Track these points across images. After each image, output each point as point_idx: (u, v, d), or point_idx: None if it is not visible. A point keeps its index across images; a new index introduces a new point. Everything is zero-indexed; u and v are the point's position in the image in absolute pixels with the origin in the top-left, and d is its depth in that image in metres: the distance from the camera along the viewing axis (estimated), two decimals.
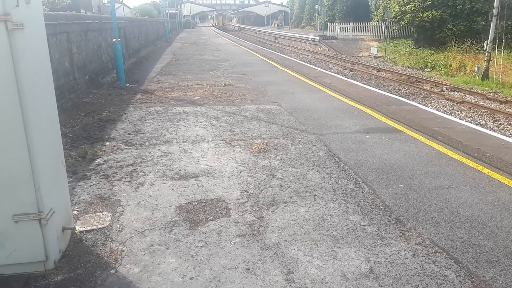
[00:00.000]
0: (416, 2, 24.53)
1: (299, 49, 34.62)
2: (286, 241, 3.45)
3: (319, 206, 4.09)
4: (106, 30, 13.61)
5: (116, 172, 5.01)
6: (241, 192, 4.40)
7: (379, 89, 12.37)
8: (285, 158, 5.48)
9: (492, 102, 12.97)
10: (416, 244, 3.43)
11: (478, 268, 3.09)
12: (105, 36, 13.51)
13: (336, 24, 37.09)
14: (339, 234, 3.57)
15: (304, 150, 5.81)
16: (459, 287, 2.86)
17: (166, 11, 44.86)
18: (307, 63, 20.55)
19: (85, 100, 9.29)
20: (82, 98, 9.51)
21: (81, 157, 5.51)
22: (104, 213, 3.95)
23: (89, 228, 3.66)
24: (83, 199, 4.25)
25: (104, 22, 13.43)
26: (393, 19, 27.43)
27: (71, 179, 4.70)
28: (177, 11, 66.56)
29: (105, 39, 13.42)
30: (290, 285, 2.87)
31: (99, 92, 10.42)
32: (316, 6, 56.48)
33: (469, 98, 13.62)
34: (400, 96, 11.67)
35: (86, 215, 3.90)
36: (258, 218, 3.83)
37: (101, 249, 3.33)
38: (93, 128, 7.08)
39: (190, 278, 2.95)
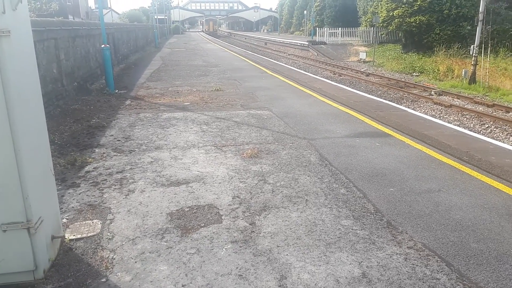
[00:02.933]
0: (403, 7, 24.83)
1: (288, 54, 34.78)
2: (278, 246, 3.44)
3: (311, 211, 4.09)
4: (94, 36, 13.52)
5: (106, 179, 4.96)
6: (232, 198, 4.39)
7: (368, 94, 12.47)
8: (277, 163, 5.48)
9: (480, 105, 13.16)
10: (408, 247, 3.44)
11: (469, 271, 3.11)
12: (94, 42, 13.42)
13: (325, 29, 37.37)
14: (332, 238, 3.57)
15: (295, 155, 5.82)
16: None
17: (155, 17, 44.80)
18: (297, 68, 20.65)
19: (74, 107, 9.20)
20: (71, 104, 9.41)
21: (70, 164, 5.44)
22: (94, 220, 3.90)
23: (79, 236, 3.60)
24: (73, 207, 4.19)
25: (92, 28, 13.35)
26: (381, 24, 27.72)
27: (60, 187, 4.63)
28: (166, 17, 66.45)
29: (93, 45, 13.33)
30: None
31: (88, 98, 10.32)
32: (305, 12, 56.88)
33: (457, 102, 13.80)
34: (389, 101, 11.78)
35: (76, 223, 3.84)
36: (250, 224, 3.82)
37: (91, 258, 3.28)
38: (82, 135, 7.00)
39: (183, 286, 2.92)
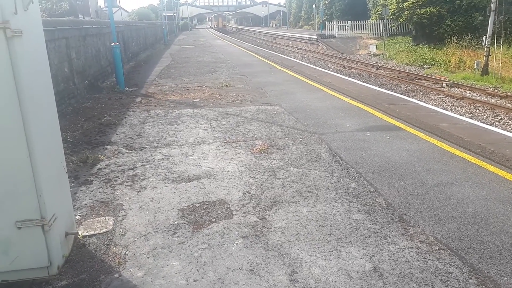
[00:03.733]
0: None
1: (297, 49, 34.62)
2: (289, 241, 3.44)
3: (321, 205, 4.08)
4: (104, 35, 13.62)
5: (118, 176, 5.02)
6: (243, 194, 4.40)
7: (379, 87, 12.36)
8: (287, 158, 5.48)
9: (492, 97, 12.95)
10: (419, 241, 3.42)
11: (482, 264, 3.08)
12: (104, 40, 13.53)
13: (334, 23, 37.07)
14: (342, 233, 3.57)
15: (305, 150, 5.81)
16: (464, 284, 2.86)
17: (164, 14, 44.95)
18: (306, 62, 20.55)
19: (85, 105, 9.30)
20: (82, 103, 9.52)
21: (83, 162, 5.51)
22: (107, 217, 3.95)
23: (92, 232, 3.66)
24: (85, 204, 4.25)
25: (102, 27, 13.45)
26: (391, 17, 27.42)
27: (73, 184, 4.70)
28: (174, 14, 66.65)
29: (103, 43, 13.44)
30: (295, 285, 2.87)
31: (99, 96, 10.43)
32: (314, 5, 56.47)
33: (469, 94, 13.61)
34: (400, 94, 11.67)
35: (89, 220, 3.90)
36: (260, 219, 3.83)
37: (104, 254, 3.33)
38: (93, 132, 7.08)
39: (194, 281, 2.95)
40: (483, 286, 2.83)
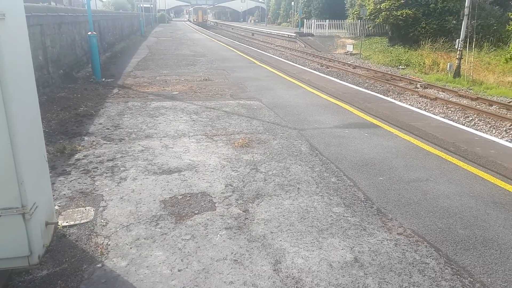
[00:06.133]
0: (390, 0, 25.00)
1: (276, 46, 34.72)
2: (272, 232, 3.49)
3: (303, 198, 4.15)
4: (80, 23, 13.27)
5: (97, 167, 4.93)
6: (225, 186, 4.42)
7: (356, 86, 12.58)
8: (268, 152, 5.53)
9: (464, 99, 13.41)
10: (397, 234, 3.54)
11: (457, 255, 3.22)
12: (79, 29, 13.18)
13: (313, 21, 37.36)
14: (324, 225, 3.65)
15: (286, 144, 5.87)
16: (440, 274, 2.98)
17: (141, 5, 44.04)
18: (285, 59, 20.66)
19: (60, 95, 9.06)
20: (57, 92, 9.27)
21: (59, 152, 5.39)
22: (87, 207, 3.89)
23: (72, 223, 3.59)
24: (64, 194, 4.16)
25: (78, 15, 13.10)
26: (368, 17, 27.87)
27: (50, 175, 4.56)
28: (151, 5, 65.47)
29: (79, 32, 13.09)
30: (278, 275, 2.92)
31: (74, 86, 10.17)
32: (293, 3, 56.70)
33: (442, 95, 14.04)
34: (376, 93, 11.91)
35: (68, 210, 3.83)
36: (243, 211, 3.86)
37: (85, 244, 3.28)
38: (70, 123, 6.92)
39: (179, 270, 2.96)
40: (458, 276, 2.97)
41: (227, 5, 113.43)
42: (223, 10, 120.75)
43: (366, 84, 16.24)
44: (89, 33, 11.35)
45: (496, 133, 9.82)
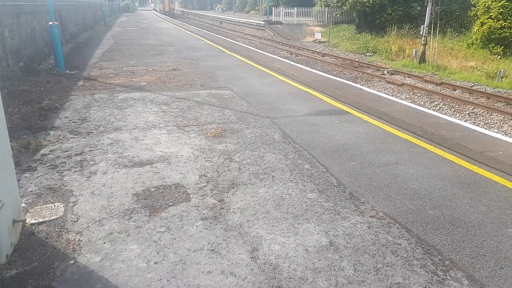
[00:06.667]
0: None
1: (244, 34, 34.48)
2: (248, 221, 3.50)
3: (277, 186, 4.18)
4: (40, 13, 12.68)
5: (65, 162, 4.78)
6: (199, 177, 4.38)
7: (325, 73, 12.71)
8: (241, 142, 5.51)
9: (429, 84, 13.81)
10: (370, 216, 3.62)
11: (427, 235, 3.34)
12: (40, 19, 12.60)
13: (281, 9, 37.26)
14: (299, 211, 3.68)
15: (259, 133, 5.87)
16: (411, 254, 3.08)
17: None
18: (254, 47, 20.56)
19: (22, 88, 8.67)
20: (18, 86, 8.86)
21: (24, 148, 5.18)
22: (56, 204, 3.76)
23: (41, 220, 3.47)
24: (31, 191, 4.01)
25: (38, 4, 12.49)
26: (335, 4, 28.09)
27: (15, 171, 4.40)
28: None
29: (39, 22, 12.51)
30: (256, 262, 2.93)
31: (37, 79, 9.76)
32: None
33: (408, 81, 14.39)
34: (345, 80, 12.07)
35: (36, 207, 3.69)
36: (219, 201, 3.85)
37: (56, 241, 3.18)
38: (33, 117, 6.65)
39: (155, 263, 2.92)
40: (429, 255, 3.07)
41: None
42: None
43: (335, 72, 16.43)
44: (50, 23, 10.88)
45: (460, 116, 10.19)
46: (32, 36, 11.59)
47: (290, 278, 2.78)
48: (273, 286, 2.69)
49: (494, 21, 17.34)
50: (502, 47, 17.05)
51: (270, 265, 2.91)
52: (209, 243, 3.17)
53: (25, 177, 4.35)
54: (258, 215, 3.60)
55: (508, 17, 16.98)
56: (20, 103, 7.48)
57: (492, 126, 9.50)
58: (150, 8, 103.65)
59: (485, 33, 17.61)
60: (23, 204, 3.71)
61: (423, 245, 3.19)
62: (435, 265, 2.95)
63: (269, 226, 3.41)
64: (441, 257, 3.05)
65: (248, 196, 3.94)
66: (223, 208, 3.72)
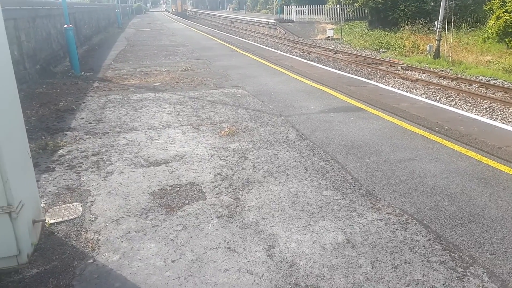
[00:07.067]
0: None
1: (256, 33, 34.47)
2: (264, 219, 3.50)
3: (292, 184, 4.16)
4: (55, 17, 12.90)
5: (82, 162, 4.84)
6: (214, 175, 4.39)
7: (338, 70, 12.62)
8: (255, 140, 5.51)
9: (444, 79, 13.60)
10: (387, 213, 3.58)
11: (445, 231, 3.29)
12: (54, 23, 12.81)
13: (292, 7, 37.15)
14: (314, 209, 3.67)
15: (273, 131, 5.87)
16: (430, 250, 3.04)
17: None
18: (266, 46, 20.54)
19: (39, 91, 8.83)
20: (35, 88, 9.03)
21: (42, 149, 5.27)
22: (74, 203, 3.82)
23: (60, 219, 3.53)
24: (50, 191, 4.08)
25: (53, 8, 12.71)
26: (347, 1, 27.87)
27: (34, 172, 4.48)
28: None
29: (54, 26, 12.73)
30: (272, 260, 2.93)
31: (53, 81, 9.92)
32: None
33: (422, 76, 14.20)
34: (358, 76, 11.97)
35: (55, 207, 3.75)
36: (234, 199, 3.85)
37: (75, 240, 3.23)
38: (50, 118, 6.76)
39: (172, 261, 2.94)
40: (448, 251, 3.03)
41: None
42: None
43: (348, 69, 16.31)
44: (65, 26, 11.04)
45: (477, 111, 10.01)
46: (48, 39, 11.79)
47: (307, 275, 2.77)
48: (290, 284, 2.69)
49: (510, 15, 16.98)
50: None
51: (287, 262, 2.91)
52: (225, 241, 3.18)
53: (44, 177, 4.42)
54: (274, 212, 3.59)
55: None
56: (37, 105, 7.61)
57: (511, 120, 9.31)
58: (163, 9, 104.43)
59: (501, 27, 17.26)
60: (42, 204, 3.78)
61: (442, 242, 3.15)
62: (454, 262, 2.90)
63: (284, 224, 3.40)
64: (461, 254, 3.00)
65: (263, 194, 3.94)
66: (238, 206, 3.72)
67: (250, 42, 21.69)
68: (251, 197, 3.89)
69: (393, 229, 3.33)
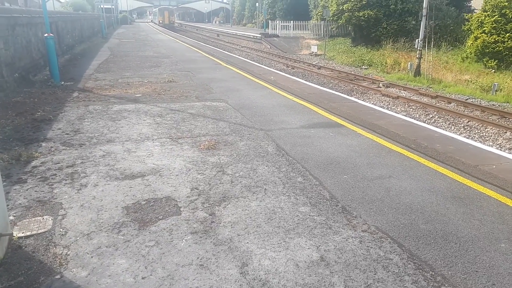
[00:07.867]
0: (352, 1, 25.57)
1: (241, 47, 34.73)
2: (239, 235, 3.46)
3: (270, 199, 4.14)
4: (36, 25, 12.73)
5: (55, 174, 4.73)
6: (191, 190, 4.34)
7: (321, 86, 12.76)
8: (235, 154, 5.49)
9: (424, 97, 13.88)
10: (362, 231, 3.59)
11: (419, 250, 3.30)
12: (35, 31, 12.64)
13: (277, 22, 37.63)
14: (290, 225, 3.65)
15: (253, 146, 5.86)
16: (403, 269, 3.04)
17: (101, 6, 42.92)
18: (251, 60, 20.68)
19: (16, 99, 8.65)
20: (12, 97, 8.84)
21: (15, 159, 5.13)
22: (45, 217, 3.71)
23: (28, 233, 3.42)
24: (20, 204, 3.96)
25: (34, 16, 12.55)
26: (331, 18, 28.39)
27: (4, 183, 4.35)
28: (113, 6, 63.83)
29: (35, 34, 12.55)
30: (245, 278, 2.89)
31: (31, 90, 9.74)
32: (257, 4, 56.95)
33: (403, 94, 14.47)
34: (340, 92, 12.14)
35: (25, 220, 3.64)
36: (210, 215, 3.80)
37: (43, 255, 3.12)
38: (26, 128, 6.61)
39: (143, 278, 2.87)
40: (420, 270, 3.04)
41: (191, 6, 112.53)
42: (187, 11, 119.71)
43: (331, 84, 16.51)
44: (46, 34, 10.90)
45: (455, 129, 10.22)
46: (28, 47, 11.61)
47: None
48: None
49: (487, 36, 17.56)
50: (496, 61, 17.23)
51: (260, 280, 2.87)
52: (198, 258, 3.12)
53: (15, 189, 4.29)
54: (249, 229, 3.56)
55: (501, 32, 17.20)
56: (13, 114, 7.44)
57: (487, 139, 9.53)
58: (148, 20, 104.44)
59: (479, 47, 17.80)
60: (11, 217, 3.66)
61: (415, 261, 3.16)
62: (426, 281, 2.91)
63: (259, 241, 3.37)
64: (433, 273, 3.01)
65: (239, 210, 3.90)
66: (213, 221, 3.68)
67: (234, 55, 21.81)
68: (227, 212, 3.85)
69: (368, 247, 3.33)
